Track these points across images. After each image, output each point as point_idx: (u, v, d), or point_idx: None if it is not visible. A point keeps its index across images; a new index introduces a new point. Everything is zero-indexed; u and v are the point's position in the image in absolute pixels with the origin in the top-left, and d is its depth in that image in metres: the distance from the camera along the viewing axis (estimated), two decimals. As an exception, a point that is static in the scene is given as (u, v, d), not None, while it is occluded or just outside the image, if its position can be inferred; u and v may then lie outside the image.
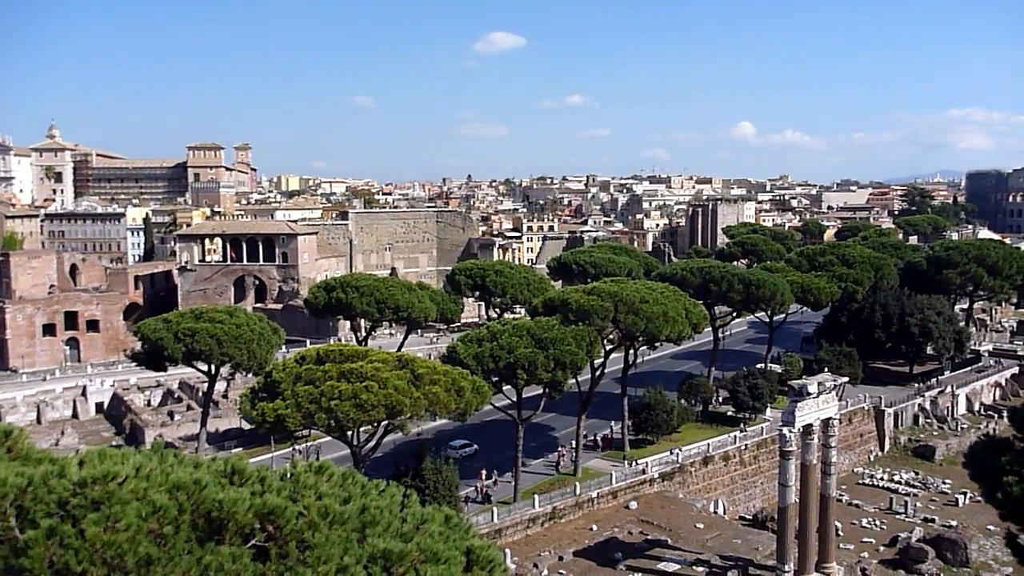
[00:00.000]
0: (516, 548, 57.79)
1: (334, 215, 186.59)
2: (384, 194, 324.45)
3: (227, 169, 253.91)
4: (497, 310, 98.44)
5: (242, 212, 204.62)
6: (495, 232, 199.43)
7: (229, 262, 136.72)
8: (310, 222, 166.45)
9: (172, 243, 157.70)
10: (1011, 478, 38.52)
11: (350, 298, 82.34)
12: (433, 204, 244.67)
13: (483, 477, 68.46)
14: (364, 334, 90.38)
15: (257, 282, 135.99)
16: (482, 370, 57.87)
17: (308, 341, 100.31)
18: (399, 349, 71.22)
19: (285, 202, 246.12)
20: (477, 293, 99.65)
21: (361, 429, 52.59)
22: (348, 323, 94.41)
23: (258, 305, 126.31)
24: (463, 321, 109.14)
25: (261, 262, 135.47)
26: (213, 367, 73.46)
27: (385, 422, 50.43)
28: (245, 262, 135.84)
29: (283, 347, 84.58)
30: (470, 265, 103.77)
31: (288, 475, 14.27)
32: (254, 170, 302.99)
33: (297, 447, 74.47)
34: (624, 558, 55.98)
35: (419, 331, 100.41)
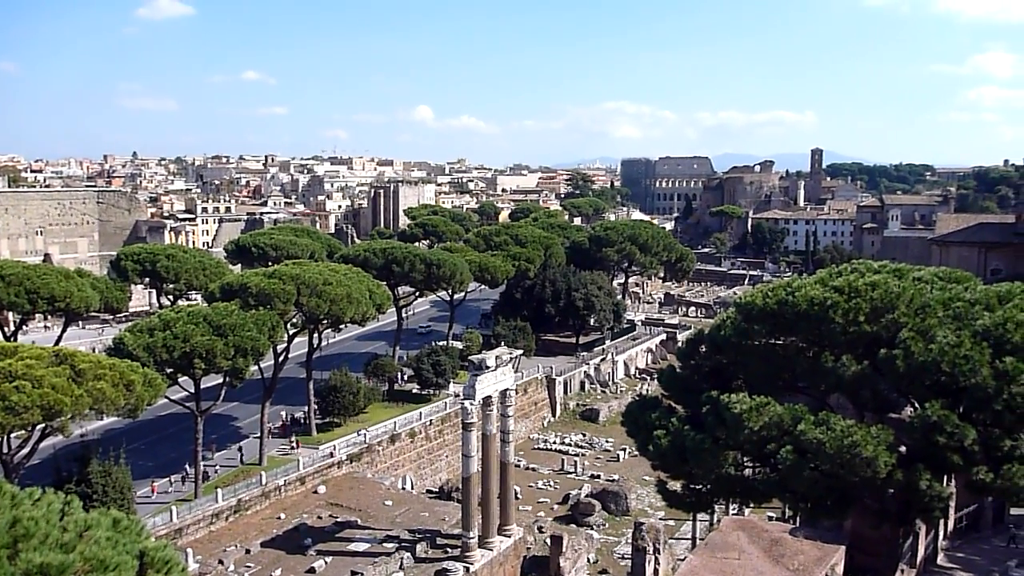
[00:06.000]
0: (199, 546, 55.04)
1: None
2: (34, 171, 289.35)
3: None
4: (170, 297, 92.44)
5: None
6: (166, 214, 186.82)
7: None
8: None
9: None
10: (660, 432, 43.22)
11: (-7, 289, 72.74)
12: (93, 183, 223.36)
13: (214, 449, 69.80)
14: (13, 329, 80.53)
15: None
16: (155, 361, 54.10)
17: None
18: (57, 343, 64.58)
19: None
20: (147, 279, 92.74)
21: (13, 435, 46.98)
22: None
23: None
24: (132, 310, 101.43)
25: None
26: None
27: (42, 425, 45.44)
28: None
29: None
30: (138, 249, 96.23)
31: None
32: None
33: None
34: (314, 543, 55.42)
35: (80, 323, 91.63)
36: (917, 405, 37.61)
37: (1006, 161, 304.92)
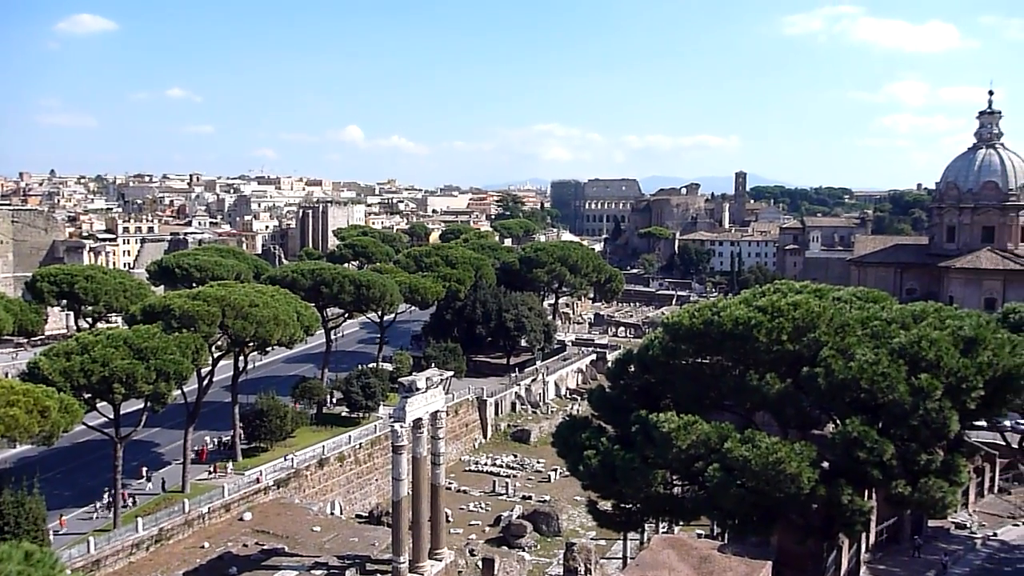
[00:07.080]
0: (117, 578, 53.18)
1: None
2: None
3: None
4: (89, 320, 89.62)
5: None
6: (85, 234, 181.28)
7: None
8: None
9: None
10: (590, 452, 43.42)
11: (-102, 312, 69.68)
12: (8, 202, 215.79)
13: (144, 474, 69.28)
14: (-81, 353, 77.17)
15: None
16: (72, 386, 52.30)
17: None
18: (-34, 369, 62.01)
19: None
20: (64, 301, 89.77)
21: (-83, 465, 44.88)
22: None
23: None
24: (49, 333, 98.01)
25: None
26: None
27: (-51, 454, 43.54)
28: None
29: None
30: (55, 270, 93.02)
31: None
32: None
33: None
34: (240, 572, 54.06)
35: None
36: (838, 421, 38.59)
37: (919, 185, 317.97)
